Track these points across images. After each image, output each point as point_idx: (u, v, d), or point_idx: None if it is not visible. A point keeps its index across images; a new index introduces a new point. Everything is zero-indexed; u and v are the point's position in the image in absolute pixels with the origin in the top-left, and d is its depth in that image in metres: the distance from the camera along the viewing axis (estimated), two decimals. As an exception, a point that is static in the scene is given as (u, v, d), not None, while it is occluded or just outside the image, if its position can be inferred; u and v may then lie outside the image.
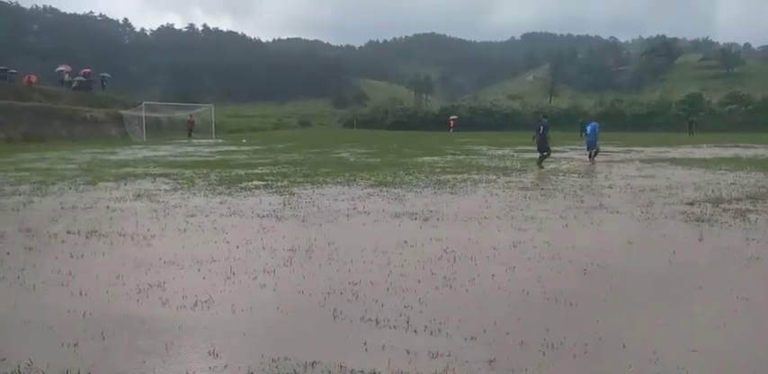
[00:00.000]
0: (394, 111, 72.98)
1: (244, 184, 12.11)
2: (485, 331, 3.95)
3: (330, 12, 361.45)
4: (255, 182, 12.43)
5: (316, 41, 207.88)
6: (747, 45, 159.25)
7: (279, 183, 12.25)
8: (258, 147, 27.89)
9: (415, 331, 3.97)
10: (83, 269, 5.52)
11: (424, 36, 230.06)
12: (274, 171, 15.15)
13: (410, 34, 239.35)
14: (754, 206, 9.20)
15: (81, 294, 4.75)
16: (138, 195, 10.51)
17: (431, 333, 3.92)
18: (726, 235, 7.16)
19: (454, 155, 22.05)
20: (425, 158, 19.89)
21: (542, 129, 16.77)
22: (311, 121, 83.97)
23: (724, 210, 8.77)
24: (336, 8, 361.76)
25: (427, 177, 13.50)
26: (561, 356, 3.58)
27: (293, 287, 4.96)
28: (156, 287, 4.92)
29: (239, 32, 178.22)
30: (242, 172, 14.91)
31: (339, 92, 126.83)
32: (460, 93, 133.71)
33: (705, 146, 28.17)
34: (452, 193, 10.88)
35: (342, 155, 22.27)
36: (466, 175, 14.00)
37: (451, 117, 58.90)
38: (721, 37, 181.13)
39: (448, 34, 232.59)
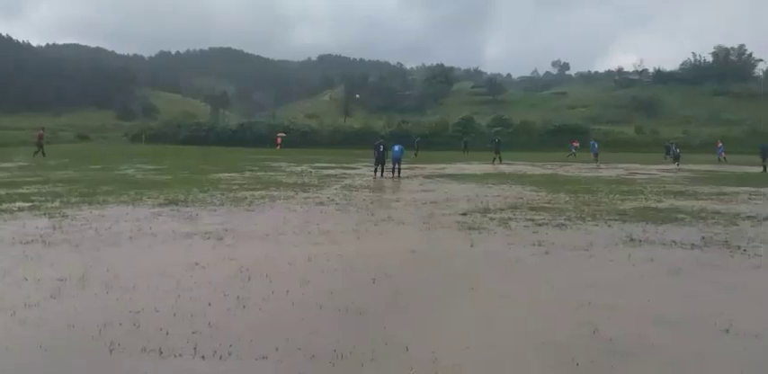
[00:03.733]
0: (188, 125, 69.34)
1: (4, 206, 10.47)
2: (277, 349, 3.94)
3: (115, 19, 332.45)
4: (19, 204, 10.83)
5: (98, 49, 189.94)
6: (509, 75, 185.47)
7: (49, 204, 10.83)
8: (24, 164, 24.36)
9: (203, 357, 3.80)
10: None
11: (220, 50, 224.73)
12: (44, 190, 13.36)
13: (205, 47, 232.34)
14: (514, 215, 10.61)
15: None
16: None
17: (220, 358, 3.79)
18: (491, 240, 8.14)
19: (252, 171, 21.72)
20: (222, 175, 19.26)
21: (383, 148, 20.72)
22: (91, 135, 75.71)
23: (490, 219, 9.98)
24: (122, 16, 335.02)
25: (223, 194, 13.08)
26: (349, 365, 3.73)
27: (61, 321, 4.41)
28: None
29: (4, 34, 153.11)
30: (2, 192, 12.88)
31: (125, 103, 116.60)
32: (258, 110, 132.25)
33: (476, 163, 31.75)
34: (249, 210, 10.70)
35: (127, 171, 20.49)
36: (264, 192, 13.88)
37: (279, 134, 58.29)
38: (489, 67, 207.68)
39: (245, 50, 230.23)
